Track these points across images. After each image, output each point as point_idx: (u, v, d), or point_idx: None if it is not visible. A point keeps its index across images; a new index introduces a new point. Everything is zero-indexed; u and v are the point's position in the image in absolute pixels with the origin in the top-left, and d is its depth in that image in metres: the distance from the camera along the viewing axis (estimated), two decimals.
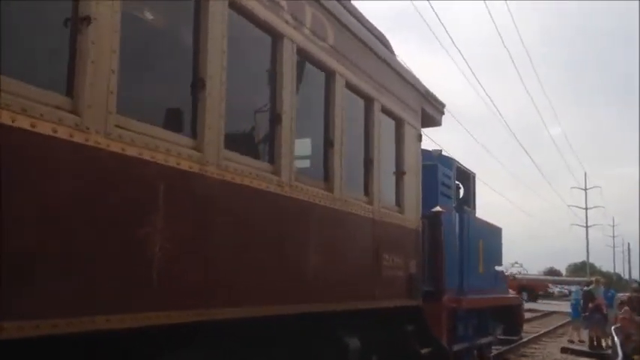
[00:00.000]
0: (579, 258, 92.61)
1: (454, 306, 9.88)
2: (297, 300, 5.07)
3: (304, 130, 5.68)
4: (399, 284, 7.14)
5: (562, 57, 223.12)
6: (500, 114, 59.22)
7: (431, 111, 8.46)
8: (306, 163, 5.97)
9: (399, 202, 7.34)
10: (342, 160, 5.82)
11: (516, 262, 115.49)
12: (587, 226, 77.89)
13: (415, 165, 7.82)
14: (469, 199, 11.69)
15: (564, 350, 16.71)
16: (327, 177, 5.67)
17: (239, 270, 4.33)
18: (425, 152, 11.22)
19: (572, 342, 18.82)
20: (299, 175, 5.10)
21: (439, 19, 48.86)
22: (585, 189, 76.70)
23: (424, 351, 7.87)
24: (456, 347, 10.41)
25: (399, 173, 7.40)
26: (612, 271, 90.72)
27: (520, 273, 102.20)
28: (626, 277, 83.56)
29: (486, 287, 12.42)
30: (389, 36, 7.57)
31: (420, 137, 7.99)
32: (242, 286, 4.39)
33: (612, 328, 11.77)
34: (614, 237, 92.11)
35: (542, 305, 44.56)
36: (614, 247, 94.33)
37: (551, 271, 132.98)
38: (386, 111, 6.97)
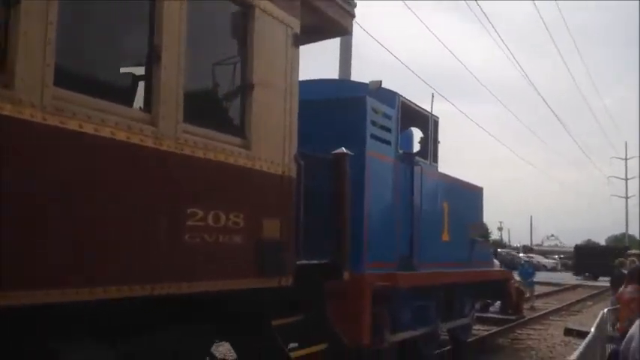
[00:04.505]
0: (619, 230, 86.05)
1: (385, 284, 7.07)
2: None
3: None
4: (236, 256, 4.39)
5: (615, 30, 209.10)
6: (534, 86, 54.13)
7: (324, 5, 5.55)
8: None
9: (243, 131, 4.55)
10: (53, 31, 3.09)
11: (552, 235, 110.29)
12: (626, 197, 72.33)
13: (284, 80, 4.96)
14: (426, 148, 8.73)
15: (568, 332, 13.61)
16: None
17: None
18: (354, 83, 8.40)
19: None
20: None
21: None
22: (625, 158, 71.03)
23: (297, 353, 5.16)
24: (395, 338, 7.63)
25: (246, 87, 4.58)
26: None
27: (557, 246, 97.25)
28: None
29: (455, 259, 9.51)
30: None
31: (296, 39, 5.09)
32: None
33: (606, 309, 8.67)
34: None
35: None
36: None
37: (590, 244, 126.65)
38: None
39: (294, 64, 5.08)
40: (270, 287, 4.73)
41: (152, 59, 3.77)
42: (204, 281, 4.12)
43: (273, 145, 4.79)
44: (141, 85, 4.13)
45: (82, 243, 3.24)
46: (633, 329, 2.08)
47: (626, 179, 72.44)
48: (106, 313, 3.51)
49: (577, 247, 49.30)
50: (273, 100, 4.83)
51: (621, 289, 8.27)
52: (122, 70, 4.30)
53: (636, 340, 2.01)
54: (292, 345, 5.62)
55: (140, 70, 4.19)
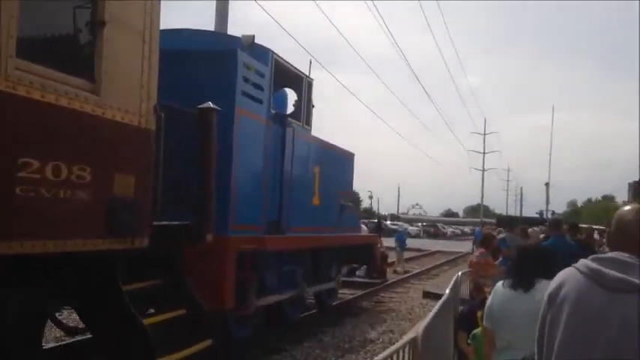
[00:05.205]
0: (476, 200, 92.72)
1: (252, 247, 6.85)
2: None
3: None
4: (80, 214, 3.91)
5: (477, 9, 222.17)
6: (405, 58, 56.44)
7: None
8: None
9: (92, 74, 4.02)
10: None
11: (417, 204, 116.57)
12: (483, 170, 77.78)
13: (143, 20, 4.47)
14: (300, 111, 8.55)
15: (426, 295, 14.35)
16: None
17: None
18: (225, 36, 7.99)
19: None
20: None
21: None
22: (484, 134, 76.14)
23: (151, 320, 4.80)
24: (261, 302, 7.48)
25: (96, 24, 4.04)
26: (505, 213, 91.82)
27: (420, 214, 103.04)
28: None
29: (325, 224, 9.51)
30: None
31: None
32: None
33: (460, 273, 9.16)
34: (508, 181, 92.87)
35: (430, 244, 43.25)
36: (507, 190, 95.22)
37: (449, 213, 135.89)
38: None
39: (154, 3, 4.58)
40: (122, 249, 4.30)
41: None
42: (40, 241, 3.61)
43: (128, 92, 4.30)
44: None
45: None
46: (563, 277, 2.10)
47: (484, 153, 77.97)
48: None
49: (498, 218, 52.72)
50: (129, 42, 4.32)
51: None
52: None
53: (570, 286, 2.06)
54: (150, 311, 5.25)
55: None
